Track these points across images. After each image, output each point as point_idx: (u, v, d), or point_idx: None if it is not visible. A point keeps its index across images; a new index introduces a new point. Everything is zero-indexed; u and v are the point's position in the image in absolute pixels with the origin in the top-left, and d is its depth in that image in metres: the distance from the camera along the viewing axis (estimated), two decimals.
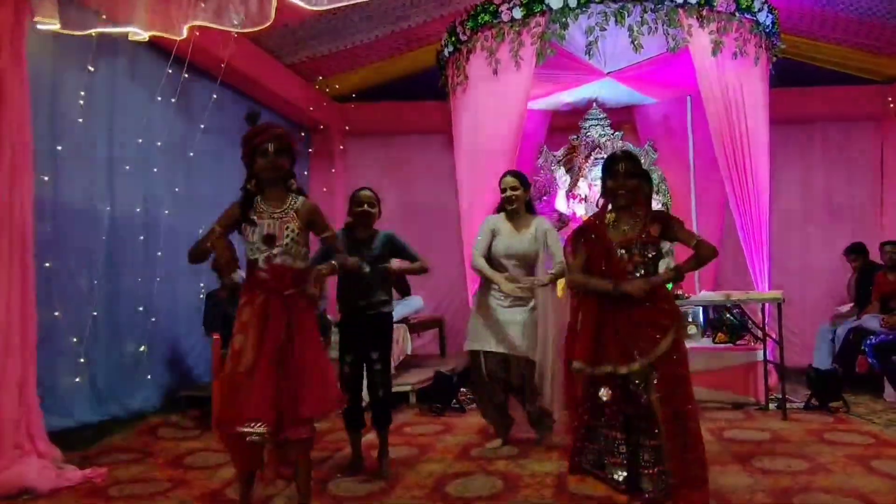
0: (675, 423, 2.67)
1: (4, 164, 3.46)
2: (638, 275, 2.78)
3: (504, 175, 4.19)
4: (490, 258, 4.13)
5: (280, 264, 2.75)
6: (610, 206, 2.91)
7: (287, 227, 2.77)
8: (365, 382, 3.71)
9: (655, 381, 2.70)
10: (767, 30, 5.55)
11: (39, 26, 3.81)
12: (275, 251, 2.75)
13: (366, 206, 3.68)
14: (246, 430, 2.62)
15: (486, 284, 4.17)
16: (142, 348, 5.12)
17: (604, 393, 2.74)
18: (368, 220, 3.71)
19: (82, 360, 4.60)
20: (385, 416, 3.68)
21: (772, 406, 5.02)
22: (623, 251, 2.80)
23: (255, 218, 2.77)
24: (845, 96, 7.32)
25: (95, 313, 4.74)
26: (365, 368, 3.66)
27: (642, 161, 6.79)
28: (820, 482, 3.28)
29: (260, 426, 2.61)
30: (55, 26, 3.82)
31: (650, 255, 2.81)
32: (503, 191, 4.12)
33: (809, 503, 3.00)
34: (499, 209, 4.24)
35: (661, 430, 2.68)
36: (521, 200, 4.11)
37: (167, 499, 3.26)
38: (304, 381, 2.70)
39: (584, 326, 2.80)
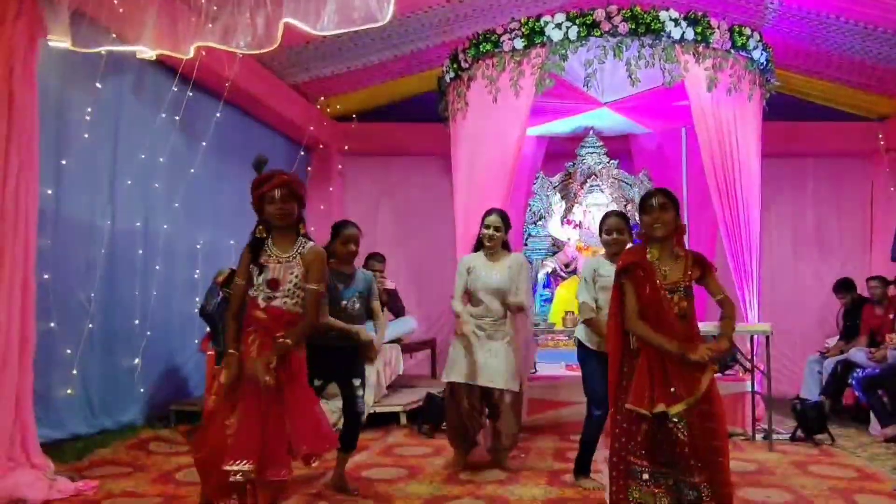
0: (707, 458, 2.70)
1: (11, 178, 3.53)
2: (681, 314, 2.79)
3: (489, 213, 4.26)
4: (469, 292, 4.23)
5: (277, 307, 2.83)
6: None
7: (291, 273, 2.85)
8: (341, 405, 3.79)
9: (690, 418, 2.72)
10: (762, 67, 5.68)
11: (51, 44, 3.90)
12: (276, 294, 2.83)
13: (352, 245, 3.74)
14: (230, 468, 2.65)
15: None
16: (135, 361, 5.15)
17: (640, 431, 2.75)
18: (353, 258, 3.80)
19: (75, 372, 4.62)
20: (356, 439, 3.74)
21: (758, 437, 5.07)
22: (669, 294, 2.81)
23: (263, 262, 2.85)
24: (836, 132, 7.47)
25: (91, 325, 4.77)
26: (344, 393, 3.72)
27: (636, 189, 6.94)
28: None
29: (245, 464, 2.65)
30: (66, 44, 3.90)
31: (691, 299, 2.84)
32: (486, 227, 4.20)
33: None
34: (476, 246, 4.31)
35: (694, 465, 2.69)
36: (499, 241, 4.22)
37: None
38: (296, 419, 2.76)
39: (643, 370, 2.79)
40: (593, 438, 3.77)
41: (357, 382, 3.69)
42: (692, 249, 2.97)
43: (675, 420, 2.71)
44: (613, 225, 3.80)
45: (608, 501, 2.86)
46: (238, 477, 2.64)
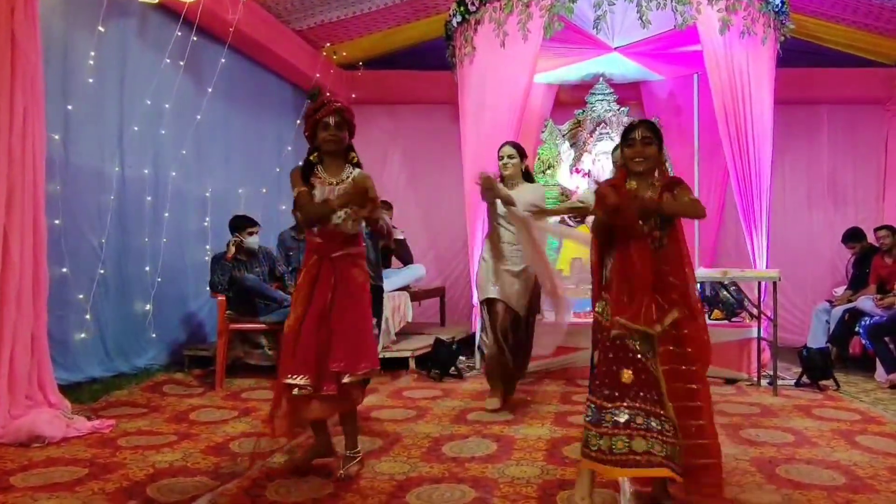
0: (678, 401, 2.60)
1: (18, 119, 3.52)
2: (654, 245, 2.71)
3: (502, 146, 4.36)
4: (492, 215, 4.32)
5: (332, 228, 2.93)
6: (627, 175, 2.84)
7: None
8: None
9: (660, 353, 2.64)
10: (777, 9, 5.55)
11: None
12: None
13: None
14: (289, 381, 2.83)
15: (492, 241, 4.30)
16: (147, 307, 5.22)
17: (626, 374, 2.62)
18: None
19: (89, 317, 4.70)
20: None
21: (763, 382, 5.12)
22: (641, 222, 2.74)
23: (314, 183, 2.93)
24: (852, 78, 7.32)
25: (103, 271, 4.83)
26: None
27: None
28: (804, 454, 3.38)
29: (301, 378, 2.82)
30: None
31: (667, 231, 2.76)
32: (500, 157, 4.30)
33: (791, 473, 3.10)
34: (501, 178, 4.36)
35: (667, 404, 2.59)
36: (516, 168, 4.28)
37: (173, 450, 3.38)
38: (340, 337, 2.88)
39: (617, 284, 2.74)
40: None
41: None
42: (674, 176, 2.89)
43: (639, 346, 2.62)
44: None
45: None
46: (296, 391, 2.82)
